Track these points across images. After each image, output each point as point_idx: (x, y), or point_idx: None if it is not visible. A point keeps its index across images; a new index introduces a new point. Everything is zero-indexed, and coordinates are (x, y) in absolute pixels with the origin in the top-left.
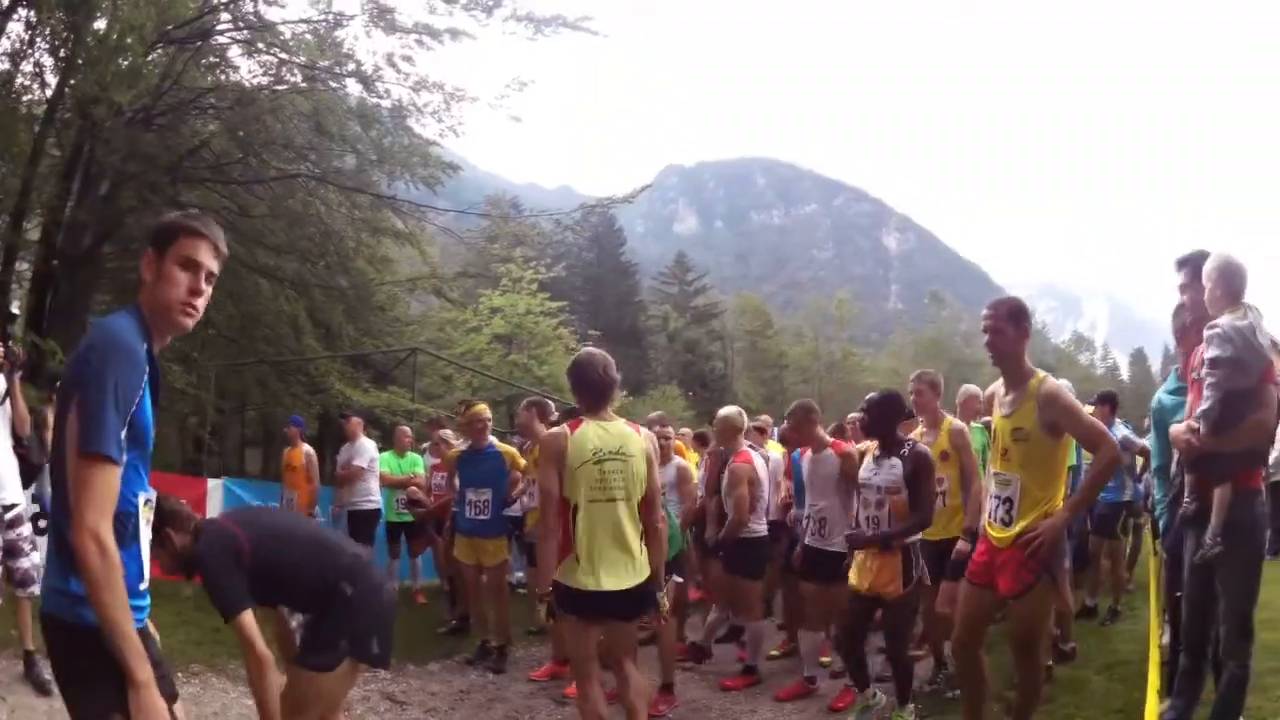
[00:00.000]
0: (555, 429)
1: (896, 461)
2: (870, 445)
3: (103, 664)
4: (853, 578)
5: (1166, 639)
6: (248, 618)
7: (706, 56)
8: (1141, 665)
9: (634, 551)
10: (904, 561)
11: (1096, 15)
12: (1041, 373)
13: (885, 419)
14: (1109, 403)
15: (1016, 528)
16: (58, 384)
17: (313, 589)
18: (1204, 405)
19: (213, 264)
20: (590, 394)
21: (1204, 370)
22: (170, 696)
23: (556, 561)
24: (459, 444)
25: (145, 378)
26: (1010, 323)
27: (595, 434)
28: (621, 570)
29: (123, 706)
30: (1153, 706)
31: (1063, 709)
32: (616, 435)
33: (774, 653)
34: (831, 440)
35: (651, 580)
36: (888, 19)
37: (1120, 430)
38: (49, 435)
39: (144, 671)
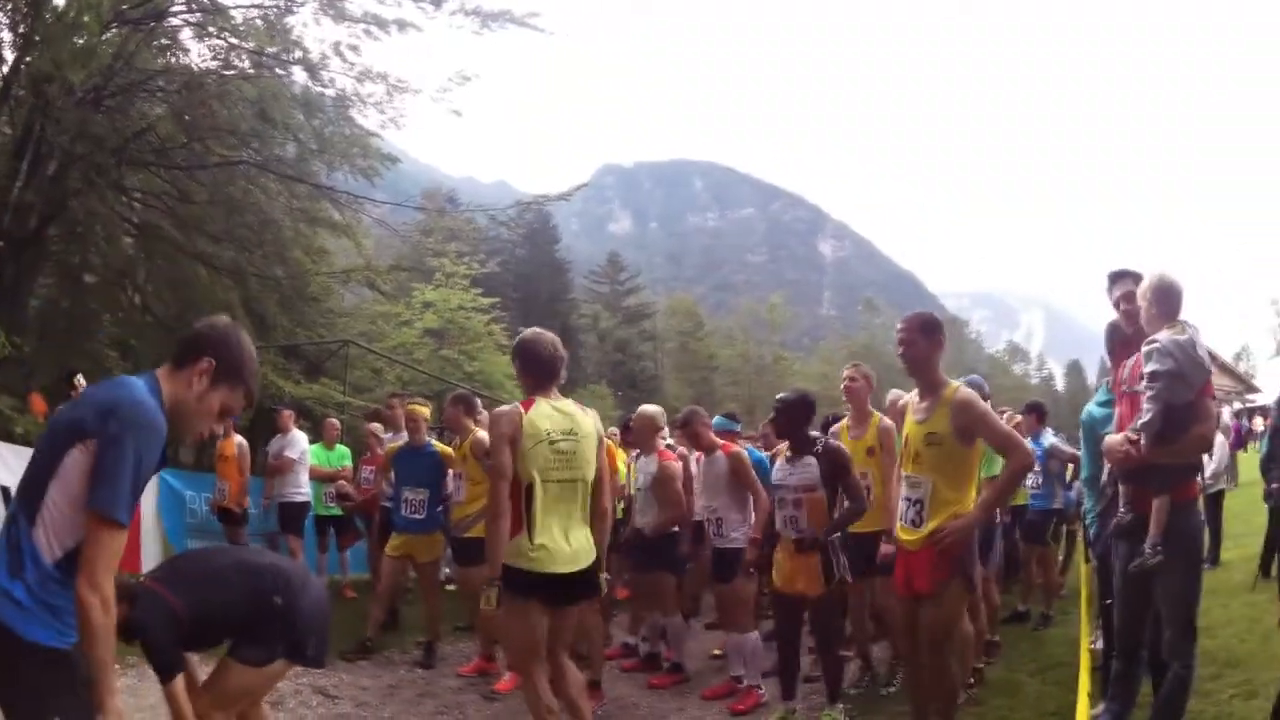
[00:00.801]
0: (507, 407)
1: (811, 460)
2: (781, 447)
3: (43, 673)
4: (774, 579)
5: (1099, 644)
6: (179, 684)
7: (647, 57)
8: (1074, 669)
9: (584, 534)
10: (823, 561)
11: (1034, 28)
12: (955, 382)
13: (797, 420)
14: (1036, 412)
15: (927, 528)
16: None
17: (247, 613)
18: (1145, 418)
19: None
20: (540, 372)
21: (1144, 384)
22: None
23: (506, 542)
24: (388, 438)
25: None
26: (921, 334)
27: (548, 413)
28: (572, 553)
29: (62, 709)
30: (1084, 709)
31: (996, 711)
32: (568, 415)
33: (717, 652)
34: (721, 442)
35: (597, 562)
36: (833, 26)
37: (1049, 439)
38: None
39: (114, 705)
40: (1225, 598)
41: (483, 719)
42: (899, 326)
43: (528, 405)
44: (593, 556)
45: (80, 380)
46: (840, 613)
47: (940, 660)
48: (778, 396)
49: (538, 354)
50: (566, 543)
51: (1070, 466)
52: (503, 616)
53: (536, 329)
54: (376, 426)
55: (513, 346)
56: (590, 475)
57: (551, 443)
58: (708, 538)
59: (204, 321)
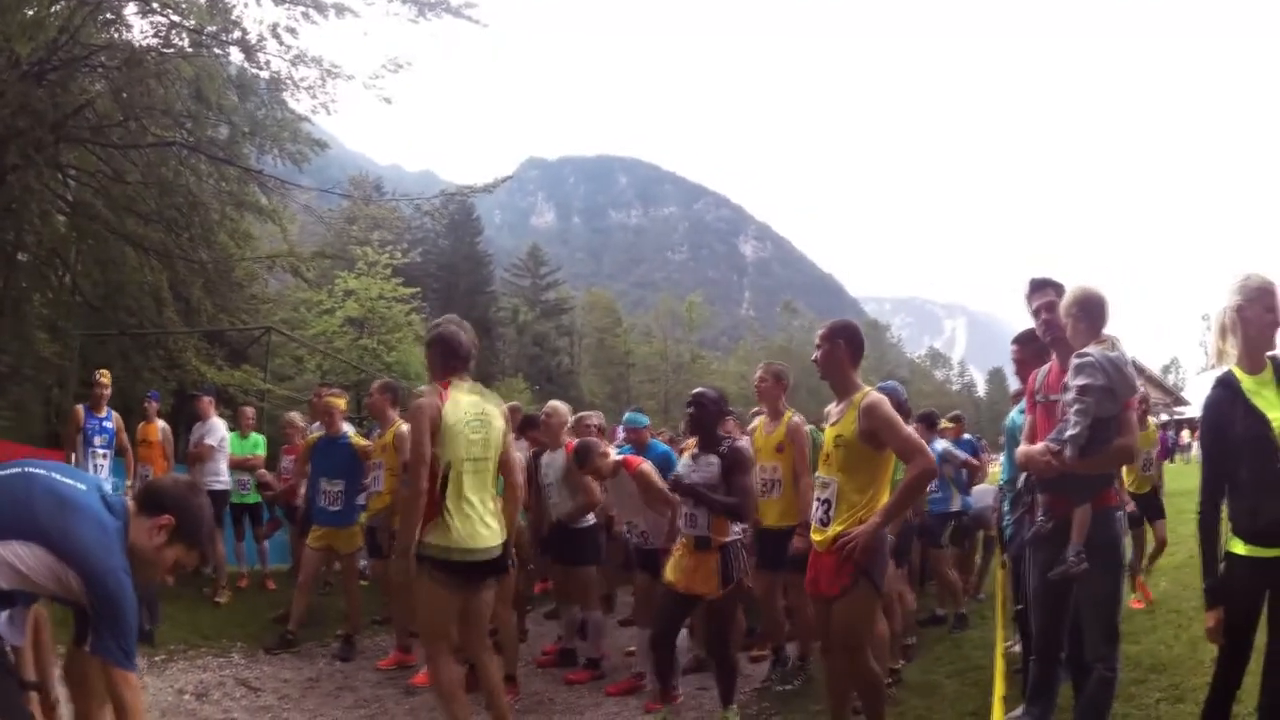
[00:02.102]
0: (428, 394)
1: (714, 458)
2: (690, 443)
3: None
4: (668, 574)
5: (1017, 647)
6: None
7: (575, 50)
8: (992, 671)
9: (496, 513)
10: (721, 561)
11: (956, 32)
12: (868, 388)
13: (709, 417)
14: (926, 420)
15: (832, 530)
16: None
17: None
18: (1072, 430)
19: None
20: (459, 360)
21: (1072, 396)
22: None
23: (423, 522)
24: (314, 428)
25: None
26: (827, 342)
27: (465, 398)
28: (486, 532)
29: None
30: (999, 712)
31: (914, 711)
32: (479, 400)
33: (632, 649)
34: (622, 459)
35: (506, 543)
36: (760, 29)
37: (940, 444)
38: None
39: None
40: (1150, 604)
41: (402, 712)
42: (815, 336)
43: (444, 390)
44: (502, 536)
45: (103, 378)
46: (734, 615)
47: (858, 662)
48: (693, 392)
49: (460, 341)
50: (480, 525)
51: (964, 470)
52: (416, 597)
53: (454, 318)
54: (295, 416)
55: (429, 334)
56: (497, 458)
57: (467, 425)
58: (625, 538)
59: (169, 478)
